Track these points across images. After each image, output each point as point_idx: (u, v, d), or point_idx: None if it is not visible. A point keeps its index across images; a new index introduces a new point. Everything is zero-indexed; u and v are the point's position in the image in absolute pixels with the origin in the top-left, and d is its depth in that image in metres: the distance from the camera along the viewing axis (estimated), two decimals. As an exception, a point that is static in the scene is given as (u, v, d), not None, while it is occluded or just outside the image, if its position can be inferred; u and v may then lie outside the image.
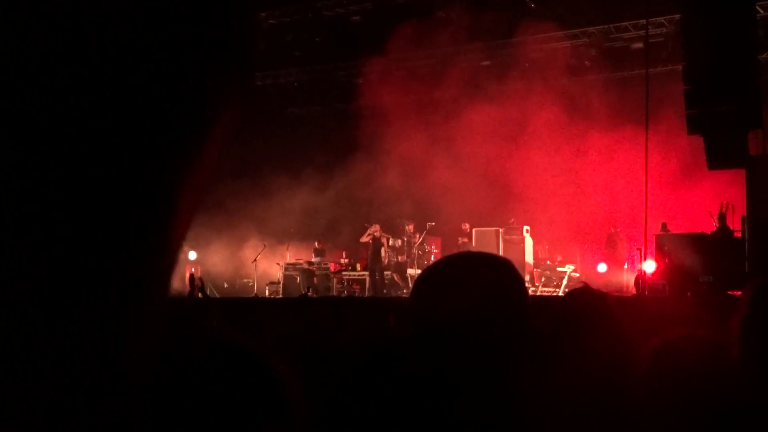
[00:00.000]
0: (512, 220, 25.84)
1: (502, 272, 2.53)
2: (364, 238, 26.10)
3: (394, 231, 26.92)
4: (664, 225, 22.75)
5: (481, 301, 2.41)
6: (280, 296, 26.80)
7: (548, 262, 26.06)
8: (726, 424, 2.81)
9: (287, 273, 27.67)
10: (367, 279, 26.40)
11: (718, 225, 21.01)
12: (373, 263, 25.72)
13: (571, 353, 2.94)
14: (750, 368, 2.64)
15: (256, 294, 26.85)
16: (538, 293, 24.56)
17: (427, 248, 26.23)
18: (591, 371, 2.84)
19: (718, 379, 2.87)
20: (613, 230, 24.71)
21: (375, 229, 26.02)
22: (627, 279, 23.62)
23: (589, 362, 2.88)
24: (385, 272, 26.04)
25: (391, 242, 26.63)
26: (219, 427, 1.92)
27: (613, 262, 24.53)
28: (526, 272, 24.98)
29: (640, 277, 20.63)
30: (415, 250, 26.09)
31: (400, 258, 26.21)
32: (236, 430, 1.94)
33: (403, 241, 26.40)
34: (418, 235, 26.31)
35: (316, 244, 28.71)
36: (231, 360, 2.03)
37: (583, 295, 3.53)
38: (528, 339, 2.47)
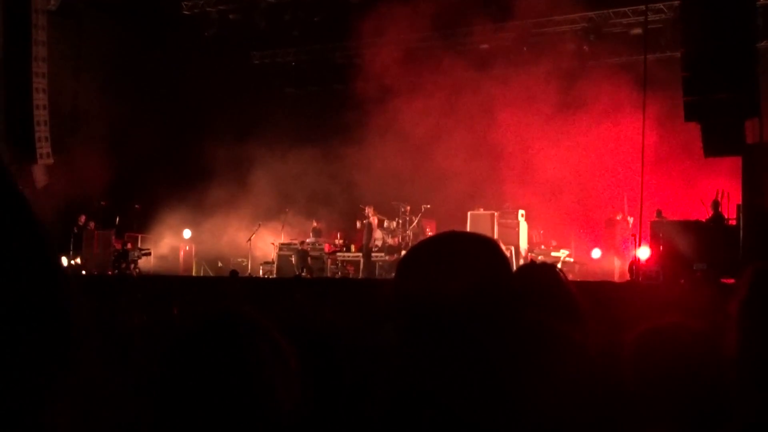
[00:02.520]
0: (507, 203, 25.85)
1: (487, 252, 2.51)
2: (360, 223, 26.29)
3: (390, 213, 26.94)
4: (659, 212, 22.78)
5: (466, 281, 2.39)
6: (274, 276, 26.81)
7: (542, 246, 26.06)
8: (708, 414, 2.80)
9: (281, 253, 27.67)
10: (361, 261, 26.46)
11: (712, 212, 21.05)
12: (367, 245, 25.85)
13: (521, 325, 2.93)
14: (748, 355, 2.62)
15: (249, 273, 26.86)
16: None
17: (423, 230, 26.24)
18: (541, 340, 2.82)
19: (701, 369, 2.86)
20: (613, 215, 24.69)
21: (369, 212, 26.10)
22: (621, 265, 23.66)
23: (539, 330, 2.85)
24: (379, 254, 26.10)
25: (386, 224, 26.65)
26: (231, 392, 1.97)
27: (609, 246, 24.54)
28: (520, 256, 25.01)
29: (635, 263, 20.65)
30: (409, 232, 26.12)
31: (393, 240, 26.24)
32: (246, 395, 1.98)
33: (398, 223, 26.44)
34: (413, 218, 26.35)
35: (314, 222, 28.72)
36: (238, 331, 2.08)
37: (532, 270, 3.54)
38: (513, 318, 2.45)
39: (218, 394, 2.00)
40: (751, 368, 2.61)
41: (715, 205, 21.17)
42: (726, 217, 20.42)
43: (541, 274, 3.42)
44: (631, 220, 24.10)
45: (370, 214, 26.10)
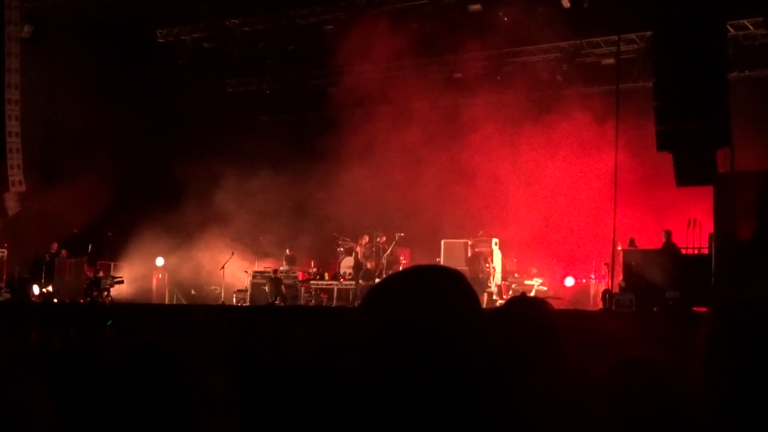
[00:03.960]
0: (481, 232, 25.91)
1: (453, 284, 2.52)
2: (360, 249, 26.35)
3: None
4: (631, 240, 22.89)
5: (428, 313, 2.41)
6: (247, 304, 26.73)
7: (516, 275, 26.10)
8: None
9: (255, 281, 27.58)
10: (335, 288, 26.49)
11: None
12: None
13: (508, 355, 2.94)
14: (714, 388, 2.63)
15: (223, 301, 26.76)
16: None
17: (397, 258, 26.29)
18: (526, 371, 2.83)
19: (671, 404, 2.87)
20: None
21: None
22: (594, 293, 23.72)
23: (525, 364, 2.87)
24: (351, 282, 26.16)
25: (359, 252, 26.69)
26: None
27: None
28: (493, 284, 25.04)
29: (608, 291, 20.71)
30: (383, 260, 26.14)
31: (369, 265, 26.26)
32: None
33: (371, 251, 26.45)
34: (387, 246, 26.39)
35: (287, 251, 28.66)
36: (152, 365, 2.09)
37: (521, 303, 3.54)
38: (476, 349, 2.46)
39: (143, 429, 2.00)
40: (717, 402, 2.62)
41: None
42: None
43: (530, 308, 3.42)
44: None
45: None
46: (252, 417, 2.78)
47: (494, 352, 2.62)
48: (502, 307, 3.49)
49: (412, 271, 2.60)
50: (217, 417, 2.11)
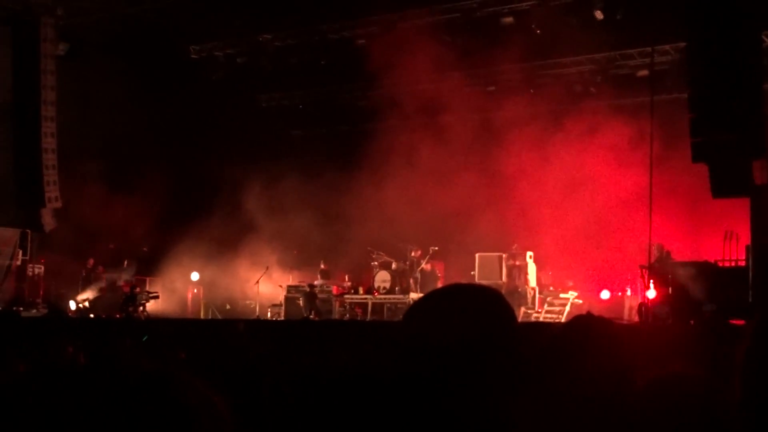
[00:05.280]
0: (515, 245, 25.83)
1: (491, 303, 2.54)
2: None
3: (397, 255, 26.97)
4: (668, 253, 22.70)
5: (467, 333, 2.42)
6: (282, 318, 26.79)
7: (551, 288, 25.99)
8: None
9: (289, 295, 27.64)
10: (369, 302, 26.49)
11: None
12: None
13: (568, 381, 2.92)
14: (751, 403, 2.60)
15: (258, 316, 26.81)
16: (541, 319, 24.53)
17: (433, 273, 26.29)
18: (587, 399, 2.81)
19: (709, 422, 2.83)
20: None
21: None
22: (629, 306, 23.57)
23: (586, 390, 2.85)
24: (387, 296, 26.18)
25: (393, 266, 26.68)
26: None
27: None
28: (528, 297, 24.97)
29: (644, 304, 20.57)
30: (417, 275, 26.14)
31: (403, 283, 26.28)
32: None
33: (406, 265, 26.46)
34: (421, 260, 26.40)
35: (321, 264, 28.71)
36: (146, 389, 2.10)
37: (586, 322, 3.50)
38: (514, 369, 2.46)
39: None
40: (755, 417, 2.59)
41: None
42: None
43: (595, 328, 3.38)
44: None
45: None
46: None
47: (531, 369, 2.62)
48: (567, 325, 3.45)
49: (453, 290, 2.62)
50: None
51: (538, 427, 2.58)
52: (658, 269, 20.97)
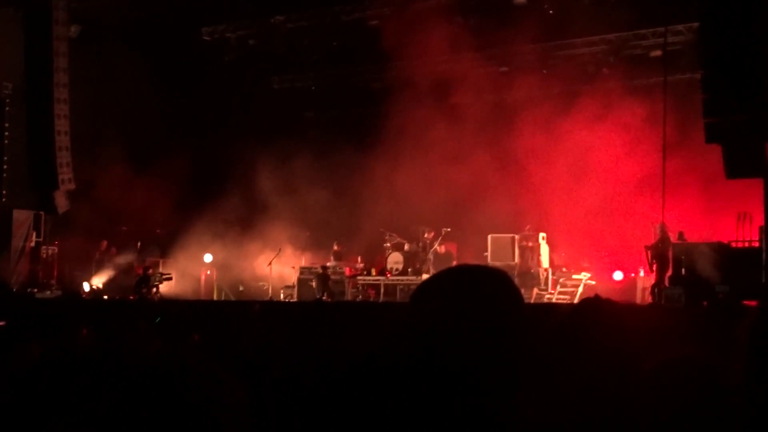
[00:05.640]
0: (528, 226, 25.81)
1: (498, 284, 2.54)
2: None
3: (410, 236, 26.99)
4: (680, 234, 22.65)
5: (473, 315, 2.43)
6: (295, 300, 26.85)
7: (564, 269, 25.98)
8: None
9: (302, 277, 27.69)
10: (382, 284, 26.53)
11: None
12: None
13: (575, 363, 2.92)
14: (755, 382, 2.61)
15: (270, 297, 26.87)
16: (554, 300, 24.54)
17: (447, 253, 26.29)
18: (594, 382, 2.82)
19: (715, 404, 2.84)
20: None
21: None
22: (642, 287, 23.54)
23: (593, 373, 2.86)
24: (400, 277, 26.25)
25: (406, 247, 26.70)
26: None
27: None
28: (541, 279, 24.97)
29: (657, 285, 20.57)
30: (430, 256, 26.17)
31: (416, 264, 26.32)
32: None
33: (419, 247, 26.49)
34: (434, 242, 26.42)
35: (335, 246, 28.74)
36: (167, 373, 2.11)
37: (593, 305, 3.49)
38: (522, 350, 2.47)
39: None
40: (757, 396, 2.59)
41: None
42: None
43: (602, 310, 3.37)
44: None
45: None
46: (296, 413, 2.80)
47: (538, 352, 2.63)
48: (575, 308, 3.45)
49: (459, 271, 2.62)
50: (237, 420, 2.12)
51: (544, 411, 2.59)
52: (660, 249, 20.99)
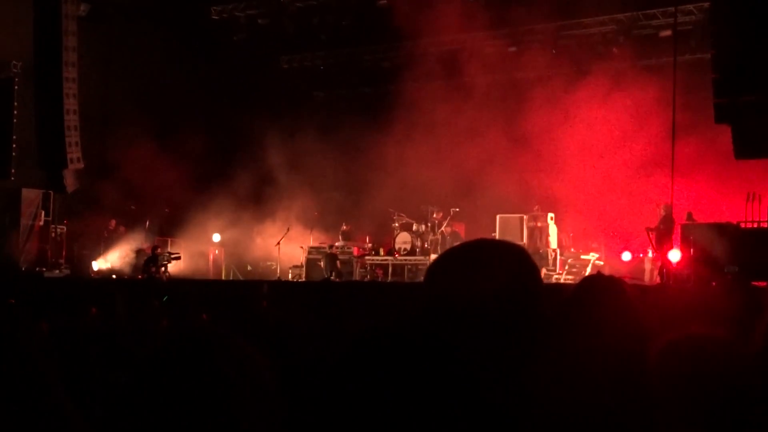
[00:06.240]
0: (536, 207, 25.79)
1: (515, 259, 2.53)
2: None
3: (418, 216, 26.97)
4: (689, 215, 22.59)
5: (493, 287, 2.41)
6: (303, 279, 26.89)
7: (572, 249, 25.97)
8: (734, 426, 2.78)
9: (310, 257, 27.70)
10: (390, 264, 26.54)
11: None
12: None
13: (584, 339, 2.92)
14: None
15: (279, 277, 26.91)
16: (562, 280, 24.54)
17: (454, 233, 26.28)
18: (603, 357, 2.82)
19: (728, 381, 2.83)
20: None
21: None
22: (651, 267, 23.51)
23: (602, 348, 2.86)
24: (408, 257, 26.24)
25: (414, 227, 26.69)
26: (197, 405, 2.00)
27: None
28: (549, 259, 24.96)
29: (665, 266, 20.53)
30: (438, 236, 26.16)
31: (421, 243, 26.31)
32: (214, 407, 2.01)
33: (427, 227, 26.48)
34: (443, 221, 26.40)
35: (343, 226, 28.74)
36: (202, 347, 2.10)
37: (598, 282, 3.49)
38: (539, 325, 2.46)
39: (190, 412, 2.01)
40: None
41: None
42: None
43: (605, 287, 3.37)
44: None
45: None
46: (300, 396, 2.80)
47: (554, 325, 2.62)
48: (578, 285, 3.45)
49: (476, 245, 2.60)
50: (260, 401, 2.12)
51: (556, 388, 2.59)
52: (663, 230, 20.98)
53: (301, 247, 28.20)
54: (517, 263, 2.52)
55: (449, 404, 2.14)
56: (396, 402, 2.12)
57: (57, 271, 26.18)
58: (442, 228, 26.43)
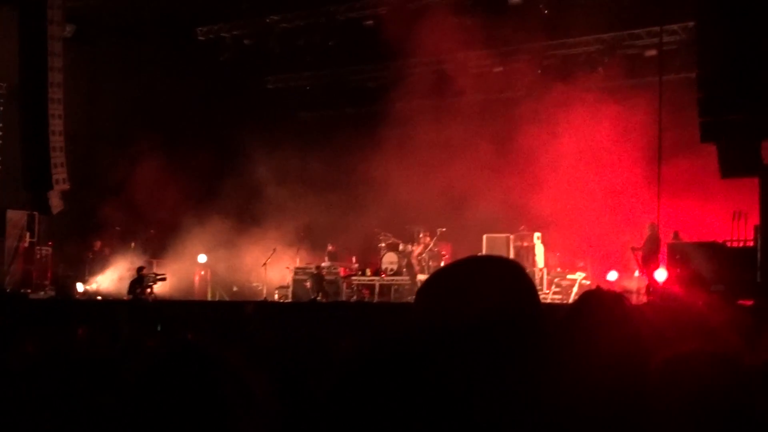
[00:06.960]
0: (522, 226, 25.81)
1: (512, 275, 2.49)
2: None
3: (405, 236, 26.95)
4: (676, 234, 22.64)
5: (490, 304, 2.38)
6: (289, 300, 26.82)
7: (559, 269, 25.98)
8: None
9: (297, 277, 27.65)
10: (377, 284, 26.50)
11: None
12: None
13: (583, 356, 2.89)
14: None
15: (265, 298, 26.83)
16: (548, 300, 24.53)
17: (440, 254, 26.28)
18: (603, 373, 2.79)
19: (729, 396, 2.81)
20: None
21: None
22: (638, 286, 23.52)
23: (602, 364, 2.83)
24: (394, 277, 26.21)
25: (400, 247, 26.67)
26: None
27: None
28: (537, 278, 24.96)
29: (652, 285, 20.55)
30: (425, 255, 26.14)
31: (411, 264, 26.29)
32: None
33: (413, 247, 26.46)
34: (429, 241, 26.38)
35: (329, 246, 28.70)
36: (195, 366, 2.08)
37: (598, 297, 3.47)
38: (537, 343, 2.43)
39: (180, 428, 1.99)
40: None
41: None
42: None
43: (606, 303, 3.34)
44: None
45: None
46: (291, 413, 2.76)
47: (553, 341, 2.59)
48: (578, 300, 3.42)
49: (471, 262, 2.57)
50: (253, 416, 2.09)
51: (555, 406, 2.55)
52: (648, 249, 21.03)
53: (287, 268, 28.14)
54: (514, 280, 2.49)
55: (446, 425, 2.11)
56: (390, 422, 2.09)
57: (42, 293, 26.07)
58: (429, 248, 26.41)
